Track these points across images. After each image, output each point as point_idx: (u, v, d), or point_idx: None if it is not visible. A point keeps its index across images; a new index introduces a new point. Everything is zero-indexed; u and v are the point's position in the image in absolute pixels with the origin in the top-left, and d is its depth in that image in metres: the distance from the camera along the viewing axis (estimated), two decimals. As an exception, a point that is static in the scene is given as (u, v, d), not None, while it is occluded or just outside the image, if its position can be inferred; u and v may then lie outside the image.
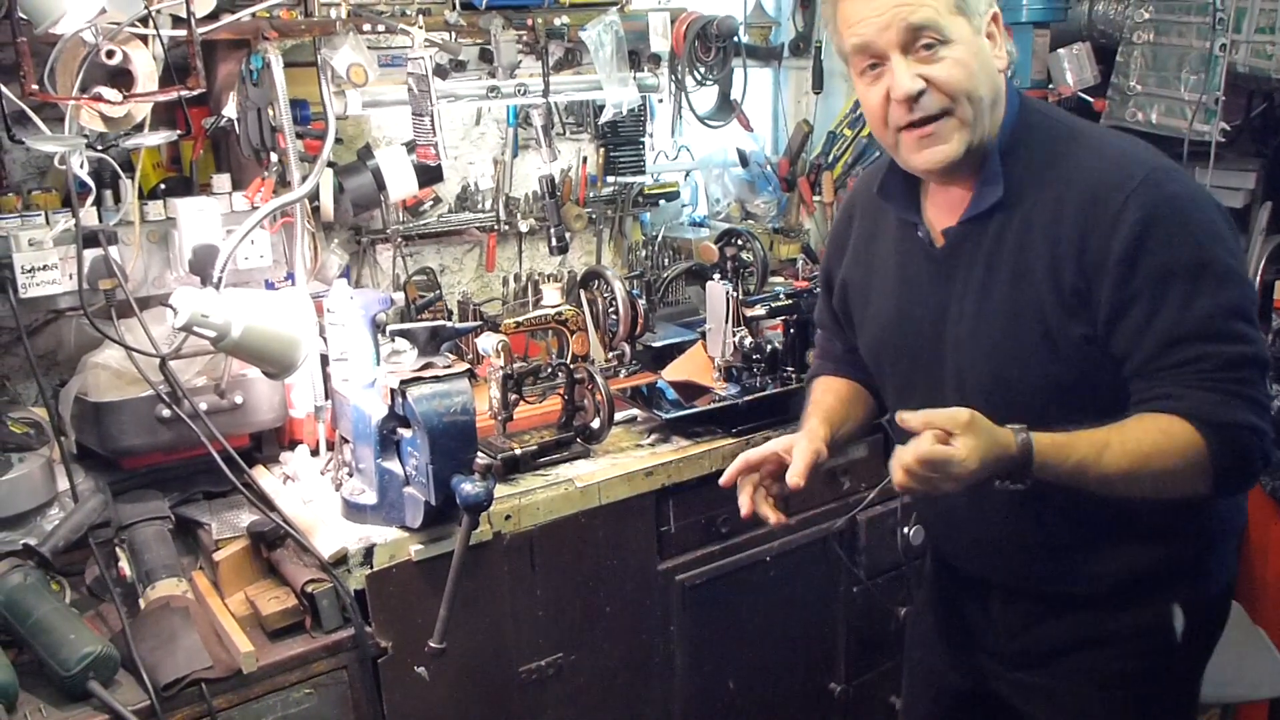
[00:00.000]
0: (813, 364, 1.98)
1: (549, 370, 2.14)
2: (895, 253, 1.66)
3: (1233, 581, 1.71)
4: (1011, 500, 1.42)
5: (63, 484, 1.91)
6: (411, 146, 2.26)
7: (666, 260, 2.99)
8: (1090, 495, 1.41)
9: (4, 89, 1.72)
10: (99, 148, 1.89)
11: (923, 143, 1.47)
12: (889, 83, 1.45)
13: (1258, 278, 2.81)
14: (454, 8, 2.27)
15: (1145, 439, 1.38)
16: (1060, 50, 2.86)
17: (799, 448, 1.54)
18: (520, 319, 2.14)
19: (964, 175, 1.52)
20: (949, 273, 1.57)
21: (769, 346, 2.36)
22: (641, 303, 2.32)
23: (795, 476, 1.50)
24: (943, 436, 1.30)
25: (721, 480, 1.59)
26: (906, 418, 1.33)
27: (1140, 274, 1.39)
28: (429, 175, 2.33)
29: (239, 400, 2.02)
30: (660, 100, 2.73)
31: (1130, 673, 1.64)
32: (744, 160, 3.21)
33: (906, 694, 2.06)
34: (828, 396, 1.78)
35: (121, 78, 1.81)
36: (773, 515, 1.56)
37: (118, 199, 2.00)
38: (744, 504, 1.57)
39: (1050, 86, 2.84)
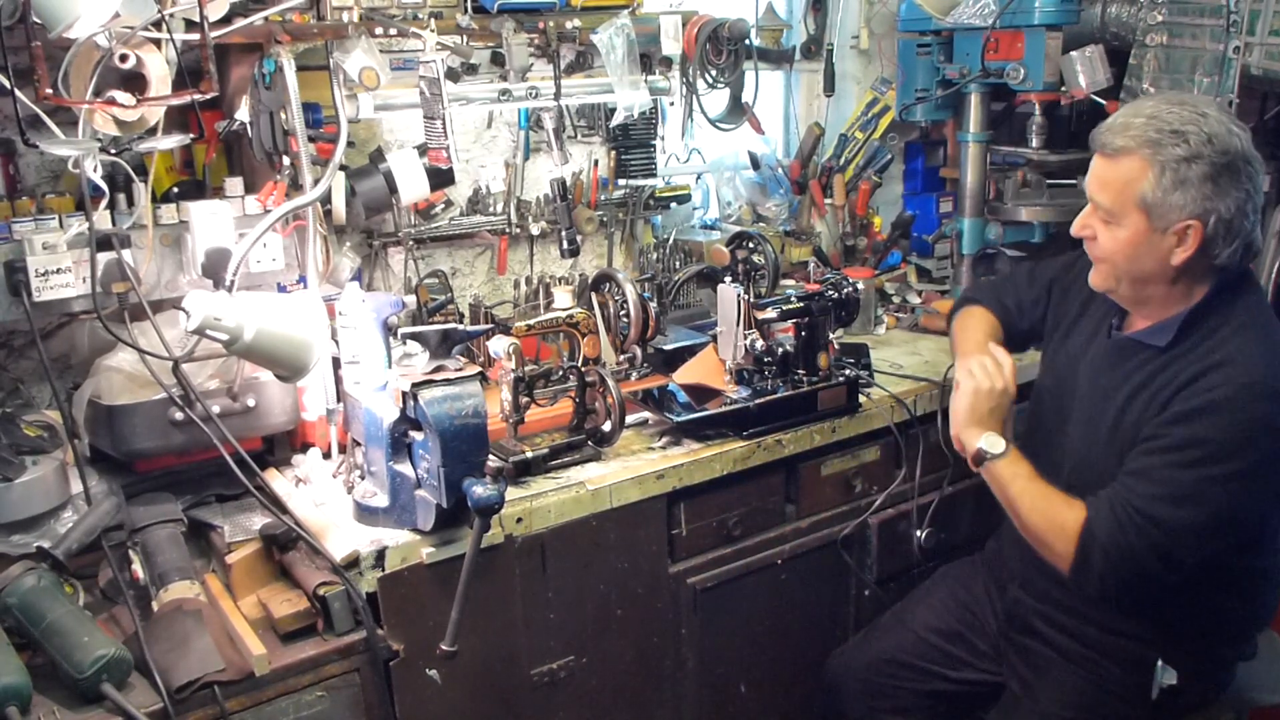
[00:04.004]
0: (970, 291, 2.45)
1: (560, 373, 2.14)
2: (1088, 340, 2.05)
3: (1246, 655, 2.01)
4: None
5: (76, 487, 1.92)
6: (423, 150, 2.27)
7: (678, 263, 2.99)
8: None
9: (18, 93, 1.73)
10: (112, 151, 1.90)
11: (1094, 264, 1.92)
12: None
13: (1271, 280, 2.79)
14: (465, 11, 2.27)
15: (1052, 499, 1.84)
16: (1073, 53, 2.83)
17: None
18: (531, 322, 2.14)
19: (1146, 311, 1.91)
20: (1099, 375, 1.97)
21: (780, 349, 2.35)
22: (653, 305, 2.31)
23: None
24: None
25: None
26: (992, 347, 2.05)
27: (1177, 429, 1.75)
28: (440, 178, 2.33)
29: (251, 403, 2.03)
30: (671, 103, 2.73)
31: (1103, 683, 1.96)
32: (755, 163, 3.20)
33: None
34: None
35: (135, 81, 1.81)
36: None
37: (131, 202, 2.01)
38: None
39: (1063, 89, 2.82)
